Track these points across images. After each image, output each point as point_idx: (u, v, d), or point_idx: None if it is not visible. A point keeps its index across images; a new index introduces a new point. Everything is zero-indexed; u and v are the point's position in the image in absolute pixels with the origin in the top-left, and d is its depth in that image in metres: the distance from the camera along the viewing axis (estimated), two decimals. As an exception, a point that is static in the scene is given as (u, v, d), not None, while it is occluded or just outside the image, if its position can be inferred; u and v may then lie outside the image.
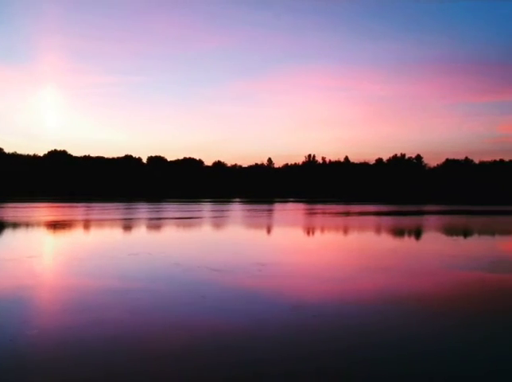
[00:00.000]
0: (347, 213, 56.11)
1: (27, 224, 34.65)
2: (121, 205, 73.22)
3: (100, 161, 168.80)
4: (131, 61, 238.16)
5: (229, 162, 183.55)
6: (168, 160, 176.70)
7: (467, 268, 16.50)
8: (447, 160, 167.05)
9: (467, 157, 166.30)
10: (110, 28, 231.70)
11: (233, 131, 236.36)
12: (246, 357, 7.62)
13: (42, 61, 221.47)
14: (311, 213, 57.02)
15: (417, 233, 31.06)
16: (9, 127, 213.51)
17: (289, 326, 9.29)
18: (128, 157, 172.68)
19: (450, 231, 33.45)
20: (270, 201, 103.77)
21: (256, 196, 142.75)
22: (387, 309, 10.69)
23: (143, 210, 60.54)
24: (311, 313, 10.24)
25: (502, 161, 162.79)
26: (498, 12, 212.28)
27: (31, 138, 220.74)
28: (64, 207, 67.47)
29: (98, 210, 59.01)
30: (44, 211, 57.37)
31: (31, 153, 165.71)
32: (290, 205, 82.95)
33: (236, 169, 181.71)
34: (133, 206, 71.37)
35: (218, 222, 39.41)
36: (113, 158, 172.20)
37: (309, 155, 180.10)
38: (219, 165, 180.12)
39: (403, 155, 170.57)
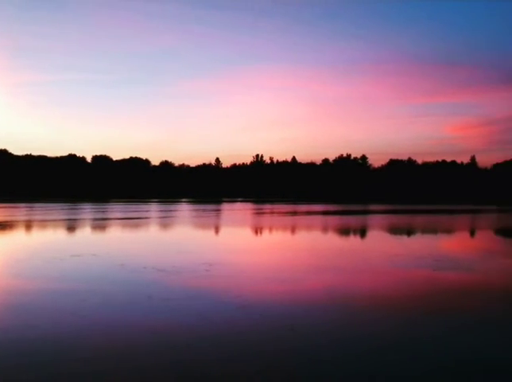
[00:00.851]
0: (295, 213, 56.58)
1: (-36, 225, 33.19)
2: (65, 206, 71.34)
3: (43, 160, 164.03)
4: (76, 59, 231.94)
5: (176, 162, 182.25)
6: (114, 159, 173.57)
7: (411, 266, 16.85)
8: (391, 160, 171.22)
9: (410, 158, 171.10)
10: (52, 26, 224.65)
11: (181, 131, 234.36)
12: (191, 357, 7.48)
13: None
14: (259, 213, 57.18)
15: (363, 232, 31.58)
16: None
17: (236, 326, 9.20)
18: (72, 157, 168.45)
19: (394, 230, 34.20)
20: (218, 201, 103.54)
21: (204, 196, 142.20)
22: (334, 308, 10.76)
23: (88, 210, 59.16)
24: (258, 312, 10.19)
25: (444, 161, 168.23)
26: (445, 14, 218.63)
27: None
28: (4, 207, 65.11)
29: (40, 210, 57.23)
30: (-18, 211, 55.17)
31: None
32: (238, 205, 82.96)
33: (184, 168, 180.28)
34: (77, 206, 69.65)
35: (165, 222, 38.93)
36: (56, 157, 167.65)
37: (257, 155, 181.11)
38: (166, 164, 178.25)
39: (349, 155, 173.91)
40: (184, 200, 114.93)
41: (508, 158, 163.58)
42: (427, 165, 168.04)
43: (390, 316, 10.01)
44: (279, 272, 15.35)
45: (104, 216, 46.63)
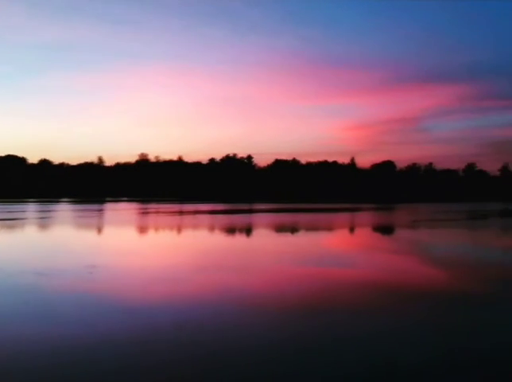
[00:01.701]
0: (181, 212, 56.15)
1: None
2: None
3: None
4: None
5: (56, 160, 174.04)
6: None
7: (296, 264, 17.30)
8: (276, 160, 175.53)
9: (294, 158, 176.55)
10: None
11: (61, 128, 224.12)
12: (69, 362, 7.07)
13: None
14: (144, 213, 56.08)
15: (249, 231, 31.99)
16: None
17: (119, 331, 8.86)
18: None
19: (280, 228, 34.99)
20: (101, 201, 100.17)
21: (86, 196, 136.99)
22: (221, 308, 10.73)
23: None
24: (144, 315, 9.91)
25: (326, 161, 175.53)
26: (327, 18, 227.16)
27: None
28: None
29: None
30: None
31: None
32: (122, 205, 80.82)
33: (64, 167, 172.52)
34: None
35: (43, 223, 36.91)
36: None
37: (142, 154, 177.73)
38: (44, 163, 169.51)
39: (235, 155, 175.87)
40: (64, 199, 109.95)
41: (385, 159, 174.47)
42: (310, 166, 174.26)
43: (274, 312, 10.15)
44: (165, 273, 15.07)
45: (-25, 218, 43.32)
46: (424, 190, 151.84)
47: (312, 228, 34.82)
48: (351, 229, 34.74)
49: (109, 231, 31.13)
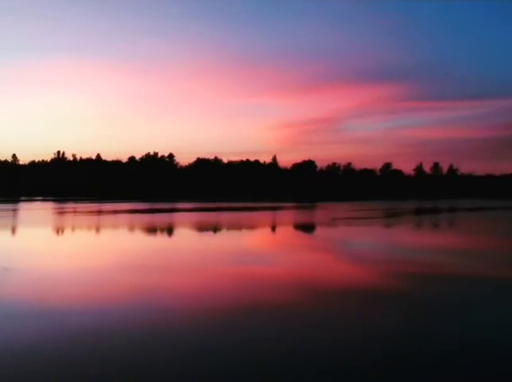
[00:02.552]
0: (100, 212, 54.69)
1: None
2: None
3: None
4: None
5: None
6: None
7: (218, 263, 17.31)
8: (198, 159, 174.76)
9: (216, 157, 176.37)
10: None
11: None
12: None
13: None
14: (60, 213, 54.14)
15: (170, 231, 31.67)
16: None
17: (35, 336, 8.50)
18: None
19: (202, 227, 34.83)
20: (15, 200, 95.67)
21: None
22: (141, 310, 10.57)
23: None
24: (59, 319, 9.56)
25: (248, 160, 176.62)
26: (257, 18, 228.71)
27: None
28: None
29: None
30: None
31: None
32: (38, 204, 77.61)
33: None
34: None
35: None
36: None
37: (58, 152, 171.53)
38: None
39: (156, 154, 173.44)
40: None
41: (306, 158, 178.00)
42: (232, 165, 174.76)
43: (195, 313, 10.11)
44: (83, 275, 14.62)
45: None
46: (343, 189, 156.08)
47: (234, 226, 34.95)
48: (273, 228, 35.17)
49: (23, 232, 29.77)
